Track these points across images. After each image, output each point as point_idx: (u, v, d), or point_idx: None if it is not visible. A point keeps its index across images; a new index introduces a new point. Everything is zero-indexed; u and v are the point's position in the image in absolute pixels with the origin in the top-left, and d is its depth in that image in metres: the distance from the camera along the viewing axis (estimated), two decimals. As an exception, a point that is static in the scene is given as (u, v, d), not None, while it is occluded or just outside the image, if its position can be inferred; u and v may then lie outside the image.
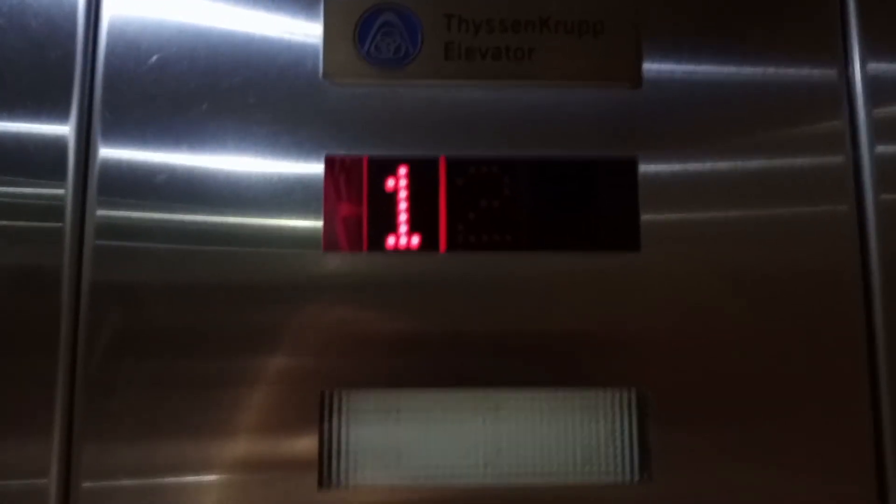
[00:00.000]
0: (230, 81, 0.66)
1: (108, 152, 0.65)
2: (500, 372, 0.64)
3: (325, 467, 0.63)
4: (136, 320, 0.63)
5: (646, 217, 0.66)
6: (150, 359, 0.63)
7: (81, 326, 0.62)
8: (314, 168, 0.65)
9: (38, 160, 0.64)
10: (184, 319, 0.63)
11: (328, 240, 0.64)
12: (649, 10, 0.69)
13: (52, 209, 0.63)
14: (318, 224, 0.65)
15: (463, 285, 0.65)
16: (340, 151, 0.66)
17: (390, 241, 0.65)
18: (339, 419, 0.64)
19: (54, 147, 0.64)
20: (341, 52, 0.66)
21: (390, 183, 0.66)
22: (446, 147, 0.66)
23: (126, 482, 0.62)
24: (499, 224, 0.66)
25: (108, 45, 0.65)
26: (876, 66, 0.69)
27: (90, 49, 0.65)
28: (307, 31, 0.67)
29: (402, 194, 0.65)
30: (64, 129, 0.64)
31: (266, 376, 0.63)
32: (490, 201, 0.66)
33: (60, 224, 0.63)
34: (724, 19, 0.70)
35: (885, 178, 0.67)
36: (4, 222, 0.63)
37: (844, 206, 0.67)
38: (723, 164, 0.67)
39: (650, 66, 0.68)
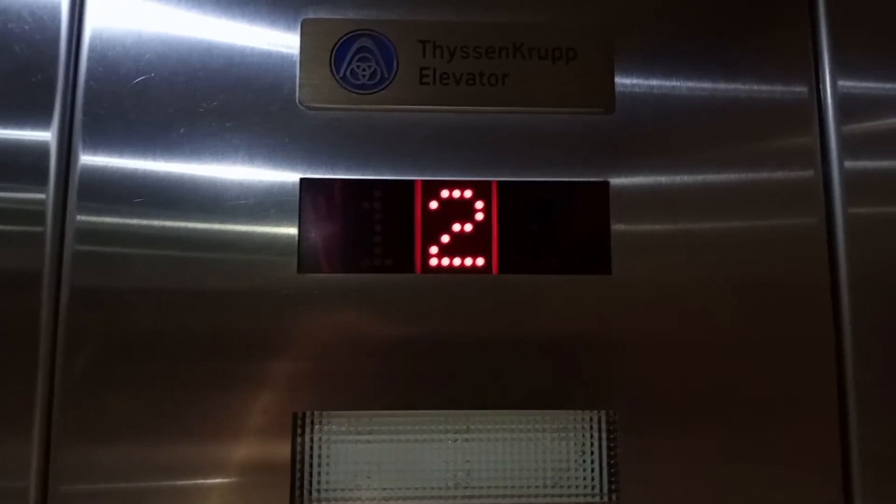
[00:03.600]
0: (208, 105, 0.67)
1: (89, 160, 0.66)
2: (472, 393, 0.65)
3: (297, 485, 0.64)
4: (114, 324, 0.64)
5: (617, 239, 0.67)
6: (128, 363, 0.64)
7: (61, 330, 0.63)
8: (289, 190, 0.66)
9: (19, 166, 0.65)
10: (161, 324, 0.64)
11: (303, 261, 0.65)
12: (623, 31, 0.70)
13: (32, 214, 0.64)
14: (292, 245, 0.66)
15: (436, 307, 0.66)
16: (316, 174, 0.67)
17: (365, 262, 0.66)
18: (312, 439, 0.65)
19: (36, 153, 0.65)
20: (317, 77, 0.67)
21: (365, 205, 0.66)
22: (421, 170, 0.67)
23: (104, 486, 0.63)
24: (472, 247, 0.67)
25: (88, 69, 0.67)
26: (846, 84, 0.70)
27: (71, 73, 0.66)
28: (284, 56, 0.68)
29: (377, 217, 0.66)
30: (46, 136, 0.65)
31: (242, 391, 0.64)
32: (464, 224, 0.67)
33: (41, 228, 0.64)
34: (697, 39, 0.71)
35: (853, 193, 0.69)
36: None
37: (814, 219, 0.68)
38: (696, 181, 0.68)
39: (623, 87, 0.69)
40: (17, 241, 0.64)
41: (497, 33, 0.68)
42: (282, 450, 0.64)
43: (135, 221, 0.65)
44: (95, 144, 0.66)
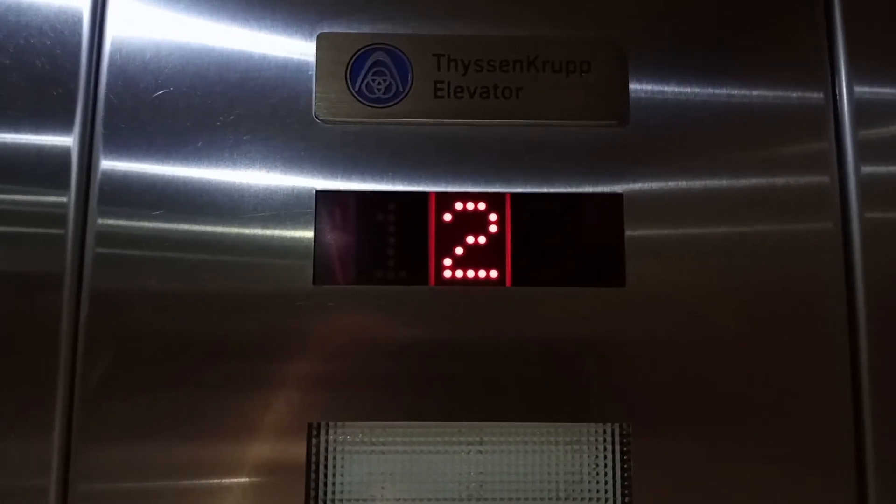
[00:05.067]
0: (225, 119, 0.68)
1: (109, 165, 0.67)
2: (486, 405, 0.65)
3: (311, 495, 0.64)
4: (134, 326, 0.65)
5: (631, 251, 0.67)
6: (147, 364, 0.65)
7: (81, 331, 0.65)
8: (305, 202, 0.67)
9: (41, 169, 0.66)
10: (180, 326, 0.65)
11: (318, 272, 0.66)
12: (636, 42, 0.70)
13: (54, 217, 0.66)
14: (308, 257, 0.66)
15: (450, 319, 0.66)
16: (331, 186, 0.67)
17: (379, 274, 0.66)
18: (327, 449, 0.66)
19: (57, 158, 0.67)
20: (333, 91, 0.68)
21: (380, 218, 0.67)
22: (435, 183, 0.68)
23: (122, 485, 0.64)
24: (486, 259, 0.67)
25: (108, 83, 0.68)
26: (862, 90, 0.70)
27: (92, 86, 0.68)
28: (300, 69, 0.68)
29: (392, 229, 0.67)
30: (67, 141, 0.67)
31: (257, 400, 0.65)
32: (477, 237, 0.67)
33: (63, 231, 0.66)
34: (711, 46, 0.70)
35: (869, 198, 0.68)
36: (10, 228, 0.66)
37: (830, 224, 0.68)
38: (710, 189, 0.68)
39: (637, 97, 0.69)
40: (40, 243, 0.65)
41: (511, 47, 0.68)
42: (297, 458, 0.64)
43: (154, 226, 0.66)
44: (115, 153, 0.67)
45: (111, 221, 0.66)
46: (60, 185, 0.66)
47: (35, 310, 0.65)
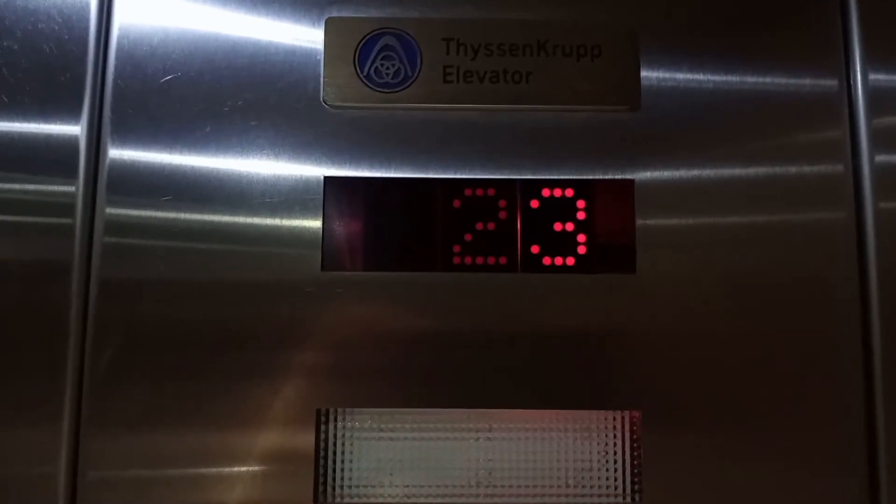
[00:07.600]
0: (233, 104, 0.67)
1: (117, 154, 0.67)
2: (495, 392, 0.65)
3: (320, 481, 0.64)
4: (142, 315, 0.65)
5: (642, 237, 0.66)
6: (155, 353, 0.65)
7: (90, 320, 0.65)
8: (314, 188, 0.67)
9: (49, 159, 0.66)
10: (188, 314, 0.65)
11: (326, 259, 0.66)
12: (648, 27, 0.69)
13: (62, 206, 0.66)
14: (316, 243, 0.66)
15: (459, 306, 0.66)
16: (340, 172, 0.67)
17: (387, 261, 0.66)
18: (336, 435, 0.65)
19: (65, 147, 0.67)
20: (341, 76, 0.67)
21: (388, 204, 0.67)
22: (444, 169, 0.67)
23: (130, 472, 0.64)
24: (495, 245, 0.66)
25: (116, 68, 0.67)
26: (877, 77, 0.69)
27: (100, 72, 0.67)
28: (308, 54, 0.68)
29: (400, 215, 0.66)
30: (75, 130, 0.67)
31: (266, 386, 0.65)
32: (487, 223, 0.67)
33: (71, 220, 0.66)
34: (724, 32, 0.70)
35: (883, 187, 0.67)
36: (18, 218, 0.66)
37: (843, 214, 0.67)
38: (722, 177, 0.68)
39: (649, 83, 0.69)
40: (48, 232, 0.66)
41: (521, 31, 0.68)
42: (306, 445, 0.64)
43: (162, 215, 0.66)
44: (124, 140, 0.67)
45: (119, 210, 0.66)
46: (68, 173, 0.66)
47: (44, 299, 0.65)
